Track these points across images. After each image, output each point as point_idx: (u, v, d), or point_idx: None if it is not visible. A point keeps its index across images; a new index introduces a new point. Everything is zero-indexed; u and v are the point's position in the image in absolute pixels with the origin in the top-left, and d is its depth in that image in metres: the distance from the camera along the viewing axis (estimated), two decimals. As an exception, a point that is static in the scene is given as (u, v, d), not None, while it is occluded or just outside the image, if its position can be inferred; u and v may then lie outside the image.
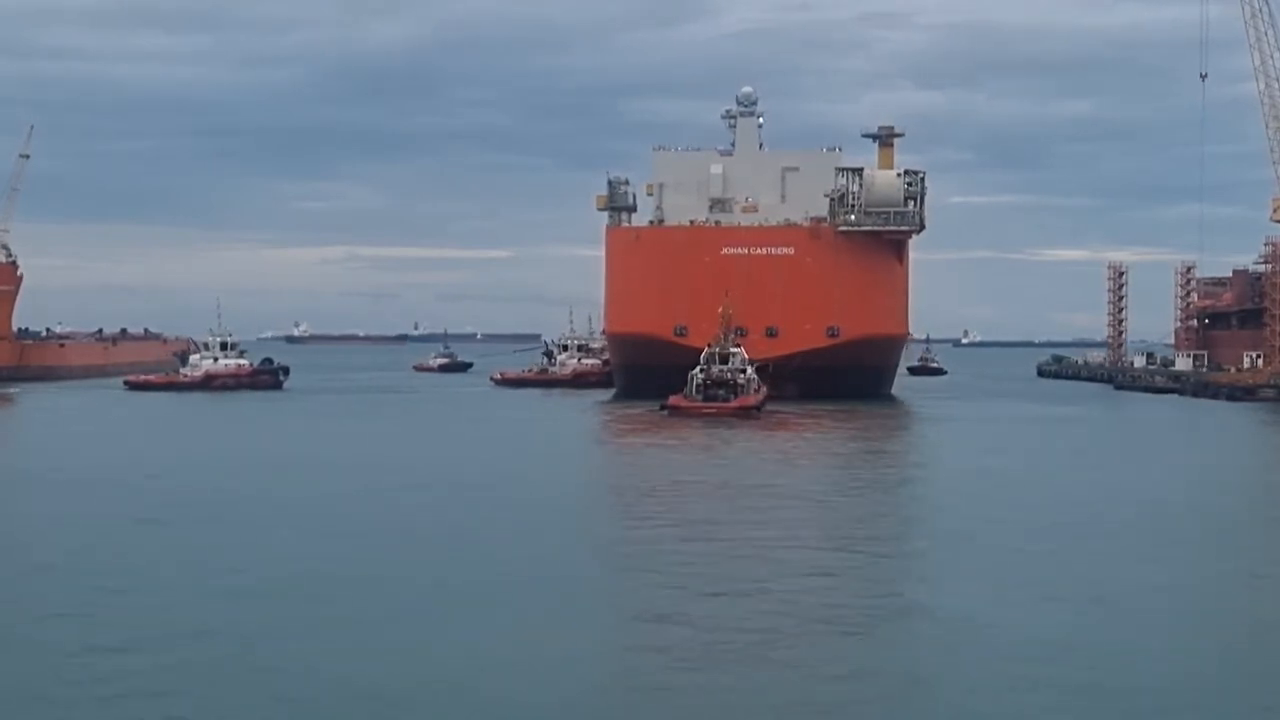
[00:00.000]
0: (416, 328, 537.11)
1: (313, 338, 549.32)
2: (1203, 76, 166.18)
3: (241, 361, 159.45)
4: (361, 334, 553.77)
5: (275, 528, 51.37)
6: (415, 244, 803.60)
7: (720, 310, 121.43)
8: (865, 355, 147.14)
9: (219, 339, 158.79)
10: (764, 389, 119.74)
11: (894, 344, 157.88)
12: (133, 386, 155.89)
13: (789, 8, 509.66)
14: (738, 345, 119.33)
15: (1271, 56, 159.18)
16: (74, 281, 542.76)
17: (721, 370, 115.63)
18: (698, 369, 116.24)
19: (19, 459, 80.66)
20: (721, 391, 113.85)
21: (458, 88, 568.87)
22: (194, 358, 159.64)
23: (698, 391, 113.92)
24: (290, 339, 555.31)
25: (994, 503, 60.60)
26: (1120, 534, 51.87)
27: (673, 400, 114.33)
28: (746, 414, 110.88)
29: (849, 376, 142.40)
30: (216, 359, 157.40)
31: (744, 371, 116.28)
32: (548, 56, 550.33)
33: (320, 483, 65.57)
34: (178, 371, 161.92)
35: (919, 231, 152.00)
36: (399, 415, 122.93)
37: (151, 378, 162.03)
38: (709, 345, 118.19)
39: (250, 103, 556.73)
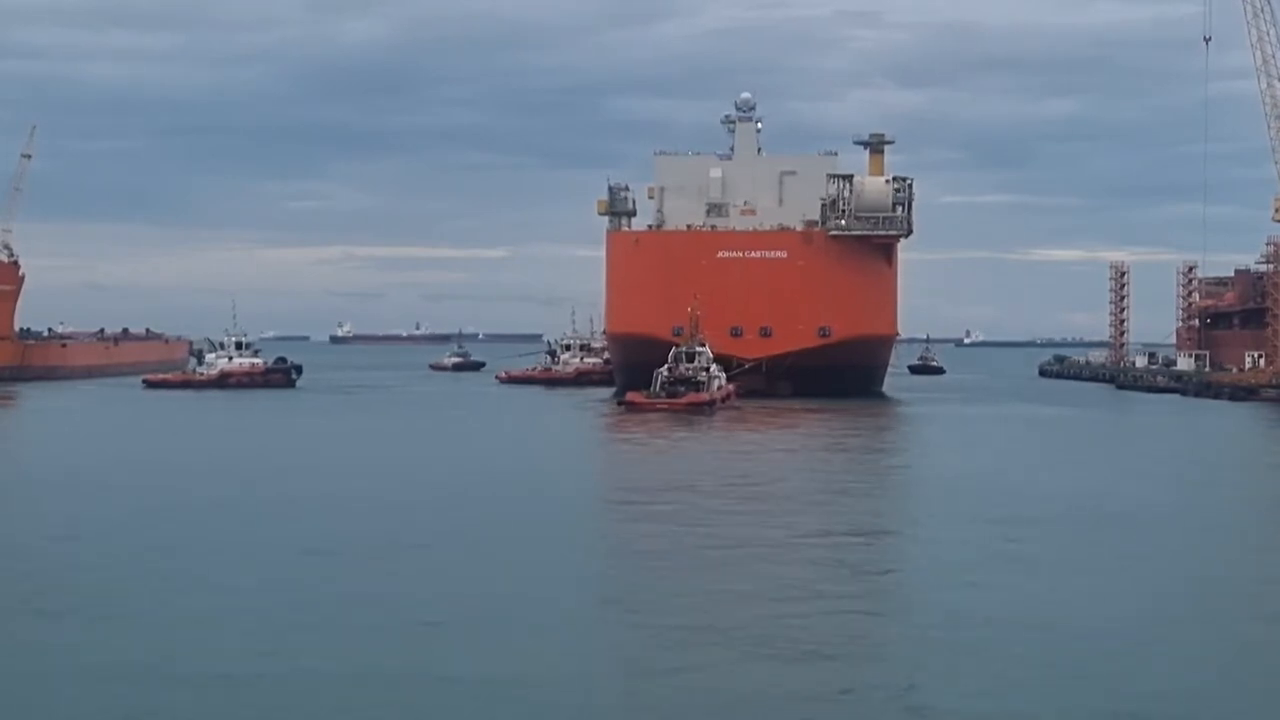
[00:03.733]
0: (418, 327, 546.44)
1: (357, 338, 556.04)
2: (1206, 40, 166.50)
3: (255, 360, 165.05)
4: (404, 334, 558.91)
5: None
6: (409, 244, 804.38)
7: (689, 310, 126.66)
8: (855, 354, 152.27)
9: (234, 339, 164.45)
10: (729, 387, 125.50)
11: (883, 343, 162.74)
12: (151, 385, 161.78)
13: (765, 6, 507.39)
14: (703, 345, 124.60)
15: (1273, 56, 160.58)
16: (70, 282, 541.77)
17: (686, 368, 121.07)
18: (664, 367, 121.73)
19: (79, 458, 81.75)
20: (682, 388, 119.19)
21: (437, 87, 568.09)
22: (210, 356, 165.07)
23: (661, 388, 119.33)
24: (334, 339, 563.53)
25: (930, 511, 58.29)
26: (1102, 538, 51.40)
27: (630, 396, 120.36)
28: (699, 410, 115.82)
29: (840, 375, 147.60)
30: (231, 358, 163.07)
31: (707, 370, 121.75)
32: (525, 55, 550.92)
33: (293, 485, 66.63)
34: (193, 370, 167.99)
35: (907, 235, 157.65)
36: (390, 413, 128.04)
37: (168, 376, 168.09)
38: (676, 344, 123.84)
39: (236, 103, 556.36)
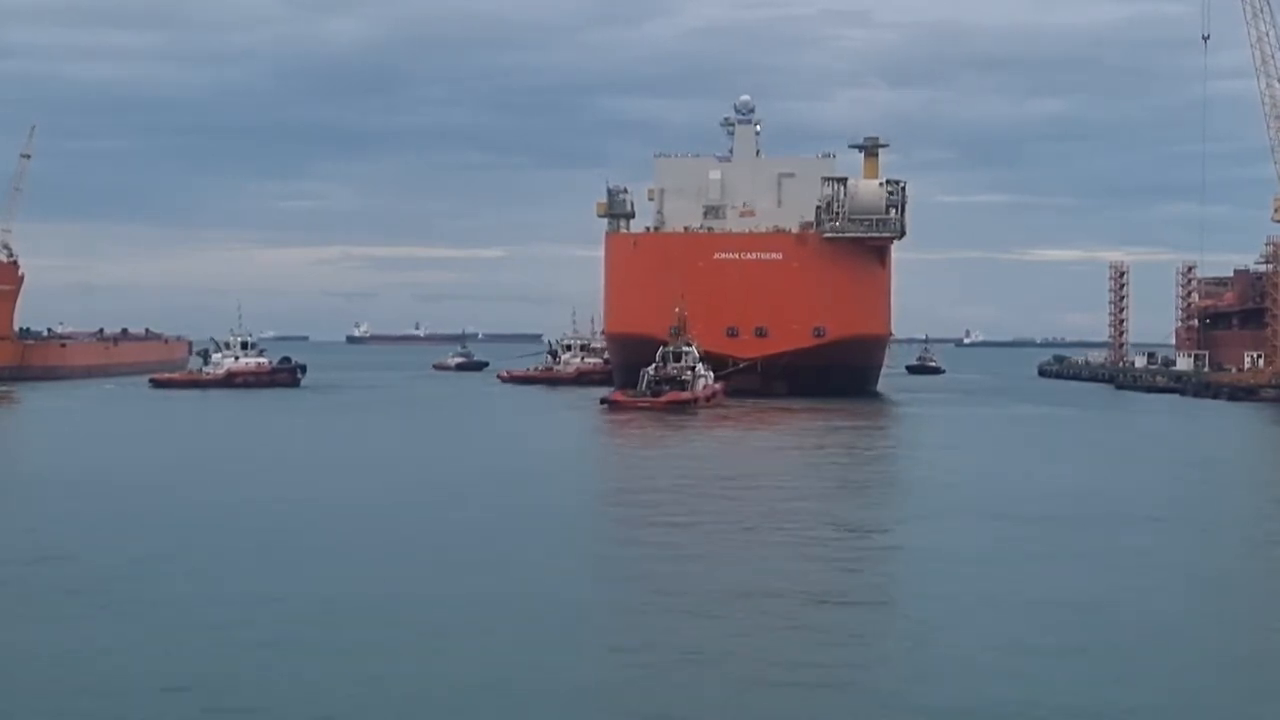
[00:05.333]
0: (417, 327, 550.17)
1: (373, 338, 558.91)
2: (1205, 39, 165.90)
3: (261, 360, 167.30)
4: (422, 334, 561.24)
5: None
6: (407, 244, 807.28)
7: (675, 311, 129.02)
8: (850, 354, 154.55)
9: (239, 338, 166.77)
10: (715, 386, 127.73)
11: (877, 343, 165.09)
12: (157, 384, 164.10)
13: (752, 5, 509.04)
14: (689, 344, 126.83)
15: (1273, 56, 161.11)
16: (69, 282, 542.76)
17: (673, 368, 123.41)
18: (652, 366, 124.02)
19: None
20: (667, 387, 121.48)
21: (431, 86, 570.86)
22: (216, 356, 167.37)
23: (647, 387, 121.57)
24: (350, 339, 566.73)
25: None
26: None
27: (613, 395, 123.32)
28: (681, 408, 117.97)
29: (835, 374, 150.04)
30: (237, 357, 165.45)
31: (692, 369, 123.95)
32: (517, 54, 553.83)
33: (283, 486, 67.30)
34: (200, 369, 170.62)
35: (900, 237, 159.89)
36: (391, 413, 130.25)
37: (175, 376, 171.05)
38: (664, 344, 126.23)
39: (233, 103, 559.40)
